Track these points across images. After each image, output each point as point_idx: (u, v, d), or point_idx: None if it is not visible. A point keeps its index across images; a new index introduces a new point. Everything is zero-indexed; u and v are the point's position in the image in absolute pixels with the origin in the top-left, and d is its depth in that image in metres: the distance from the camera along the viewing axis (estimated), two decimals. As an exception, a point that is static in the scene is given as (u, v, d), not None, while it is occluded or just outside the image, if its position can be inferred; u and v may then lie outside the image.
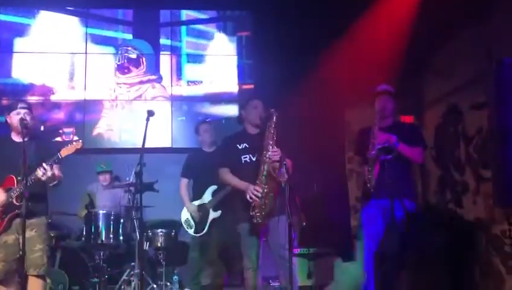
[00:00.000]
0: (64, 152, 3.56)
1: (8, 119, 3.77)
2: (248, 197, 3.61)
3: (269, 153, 3.63)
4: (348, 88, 5.32)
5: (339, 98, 5.50)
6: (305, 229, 3.52)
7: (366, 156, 3.88)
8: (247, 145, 3.84)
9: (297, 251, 5.06)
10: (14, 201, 3.57)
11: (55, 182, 3.68)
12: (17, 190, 3.56)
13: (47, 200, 3.83)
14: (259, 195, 3.59)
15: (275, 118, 3.69)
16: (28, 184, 3.46)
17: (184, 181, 5.05)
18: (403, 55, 4.97)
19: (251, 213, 3.61)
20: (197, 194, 5.02)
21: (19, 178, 3.54)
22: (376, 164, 3.82)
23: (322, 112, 5.51)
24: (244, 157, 3.82)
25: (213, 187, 4.88)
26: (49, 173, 3.51)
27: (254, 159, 3.79)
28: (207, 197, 4.94)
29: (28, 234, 3.55)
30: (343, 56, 5.39)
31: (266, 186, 3.62)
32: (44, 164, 3.49)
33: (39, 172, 3.49)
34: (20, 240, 3.39)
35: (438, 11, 4.52)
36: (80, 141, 3.67)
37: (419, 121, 5.46)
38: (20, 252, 3.38)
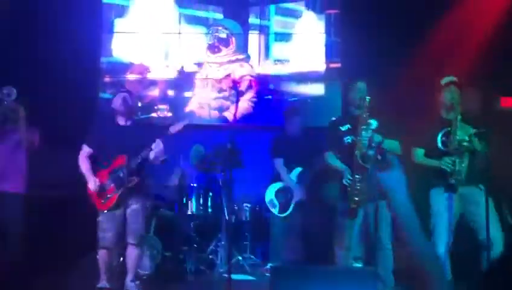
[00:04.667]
0: (173, 129, 3.85)
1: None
2: (344, 181, 3.67)
3: (359, 138, 3.62)
4: (441, 68, 5.10)
5: (433, 79, 5.29)
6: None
7: None
8: (350, 127, 3.84)
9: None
10: (126, 178, 3.81)
11: (163, 158, 3.97)
12: (128, 167, 3.82)
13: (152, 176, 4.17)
14: (350, 182, 3.63)
15: (367, 102, 3.65)
16: (139, 161, 3.80)
17: (279, 161, 5.08)
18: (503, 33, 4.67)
19: (347, 197, 3.66)
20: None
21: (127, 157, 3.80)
22: None
23: (414, 93, 5.33)
24: (346, 139, 3.83)
25: (298, 169, 4.93)
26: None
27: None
28: (292, 179, 5.01)
29: (134, 206, 3.93)
30: (435, 36, 5.17)
31: (359, 173, 3.61)
32: (153, 144, 3.80)
33: (150, 154, 3.80)
34: (126, 211, 3.79)
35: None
36: (187, 119, 3.96)
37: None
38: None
